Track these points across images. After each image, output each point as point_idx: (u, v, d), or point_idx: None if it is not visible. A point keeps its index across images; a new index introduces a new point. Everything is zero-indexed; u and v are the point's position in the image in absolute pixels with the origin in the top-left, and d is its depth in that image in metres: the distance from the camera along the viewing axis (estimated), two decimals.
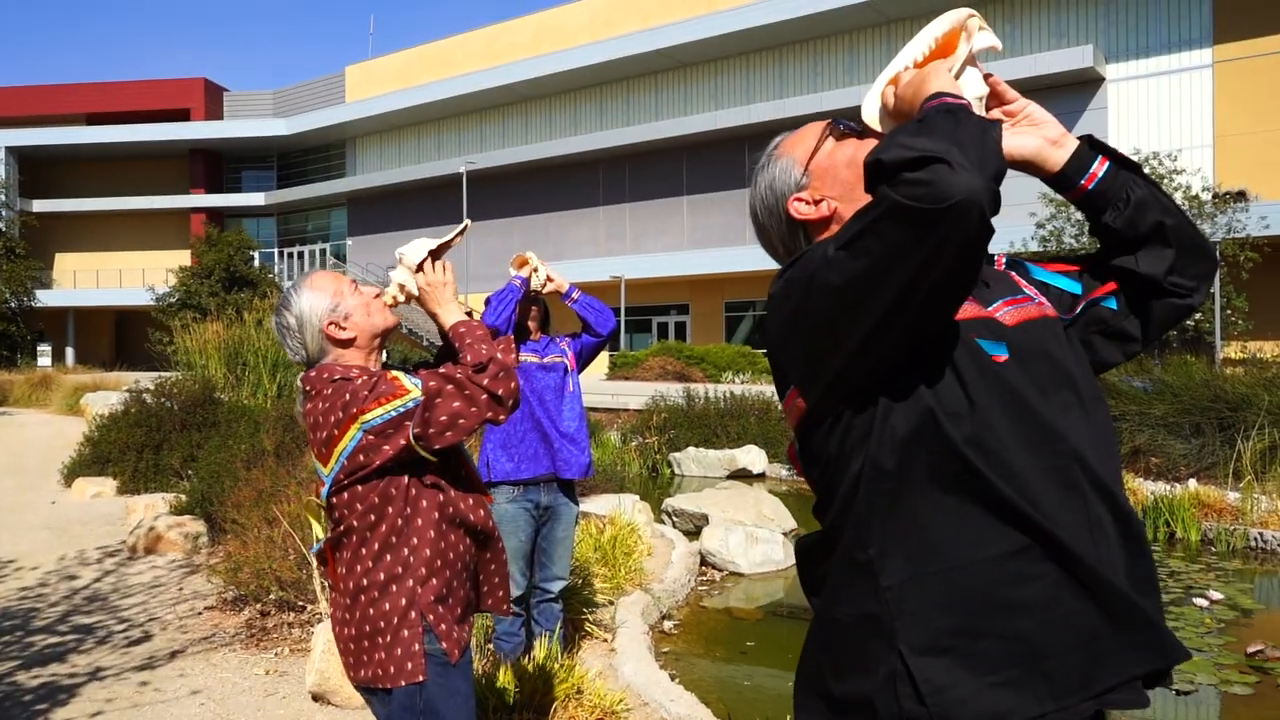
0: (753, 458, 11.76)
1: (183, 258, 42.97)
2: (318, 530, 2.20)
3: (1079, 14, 26.72)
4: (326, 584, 2.15)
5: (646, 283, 32.32)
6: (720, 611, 5.95)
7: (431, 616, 2.02)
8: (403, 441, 1.96)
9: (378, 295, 2.25)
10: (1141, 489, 8.81)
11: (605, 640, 4.76)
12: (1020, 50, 27.49)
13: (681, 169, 33.98)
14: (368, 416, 1.96)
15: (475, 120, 39.86)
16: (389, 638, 2.00)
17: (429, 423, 1.96)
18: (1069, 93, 26.31)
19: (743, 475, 11.52)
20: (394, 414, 1.96)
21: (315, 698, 4.08)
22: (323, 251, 44.01)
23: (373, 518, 2.02)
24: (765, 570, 6.76)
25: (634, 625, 4.92)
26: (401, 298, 2.26)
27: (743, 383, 23.47)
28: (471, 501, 2.16)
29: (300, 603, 5.24)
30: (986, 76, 1.35)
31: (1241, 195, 21.58)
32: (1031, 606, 1.15)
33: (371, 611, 2.02)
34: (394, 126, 42.01)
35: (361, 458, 1.97)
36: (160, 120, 45.27)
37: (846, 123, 1.43)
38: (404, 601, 2.01)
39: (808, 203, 1.39)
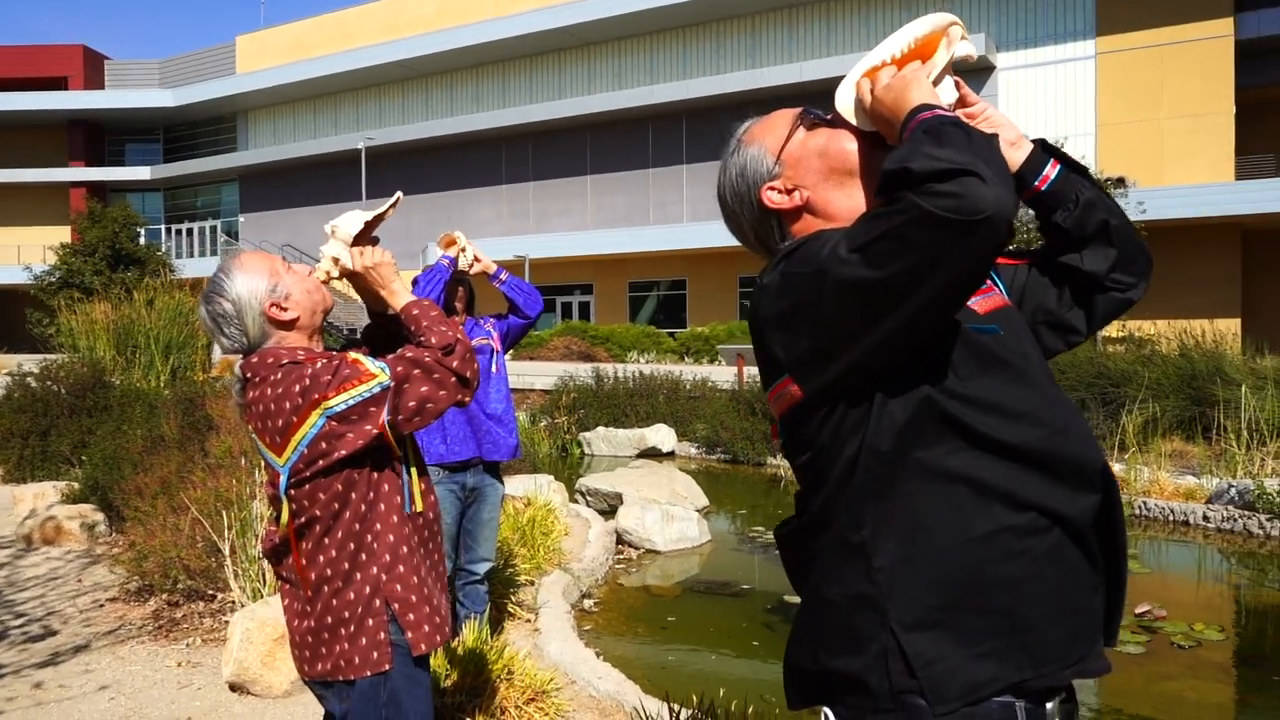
0: (662, 436, 11.87)
1: (62, 234, 40.85)
2: (266, 523, 2.14)
3: (972, 3, 27.51)
4: (286, 577, 2.08)
5: (551, 262, 32.14)
6: (638, 589, 6.01)
7: (397, 605, 1.99)
8: (370, 428, 1.91)
9: (310, 272, 2.18)
10: None
11: (529, 620, 4.77)
12: None
13: (585, 148, 33.84)
14: (331, 403, 1.89)
15: (374, 95, 38.92)
16: (353, 628, 1.96)
17: (399, 408, 1.92)
18: (962, 80, 27.04)
19: (653, 454, 11.62)
20: (358, 399, 1.90)
21: (233, 688, 3.99)
22: (213, 229, 42.43)
23: (336, 506, 1.96)
24: (681, 547, 6.85)
25: (556, 605, 4.94)
26: (335, 273, 2.19)
27: (647, 362, 23.63)
28: (424, 487, 2.14)
29: (210, 592, 5.10)
30: (957, 84, 1.40)
31: (1121, 181, 22.61)
32: (1014, 582, 1.21)
33: (335, 602, 1.97)
34: (288, 100, 40.71)
35: (324, 445, 1.91)
36: (35, 89, 42.87)
37: (817, 112, 1.46)
38: (368, 590, 1.97)
39: (780, 191, 1.42)
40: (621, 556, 6.66)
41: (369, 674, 1.97)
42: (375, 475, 2.01)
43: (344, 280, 2.24)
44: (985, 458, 1.22)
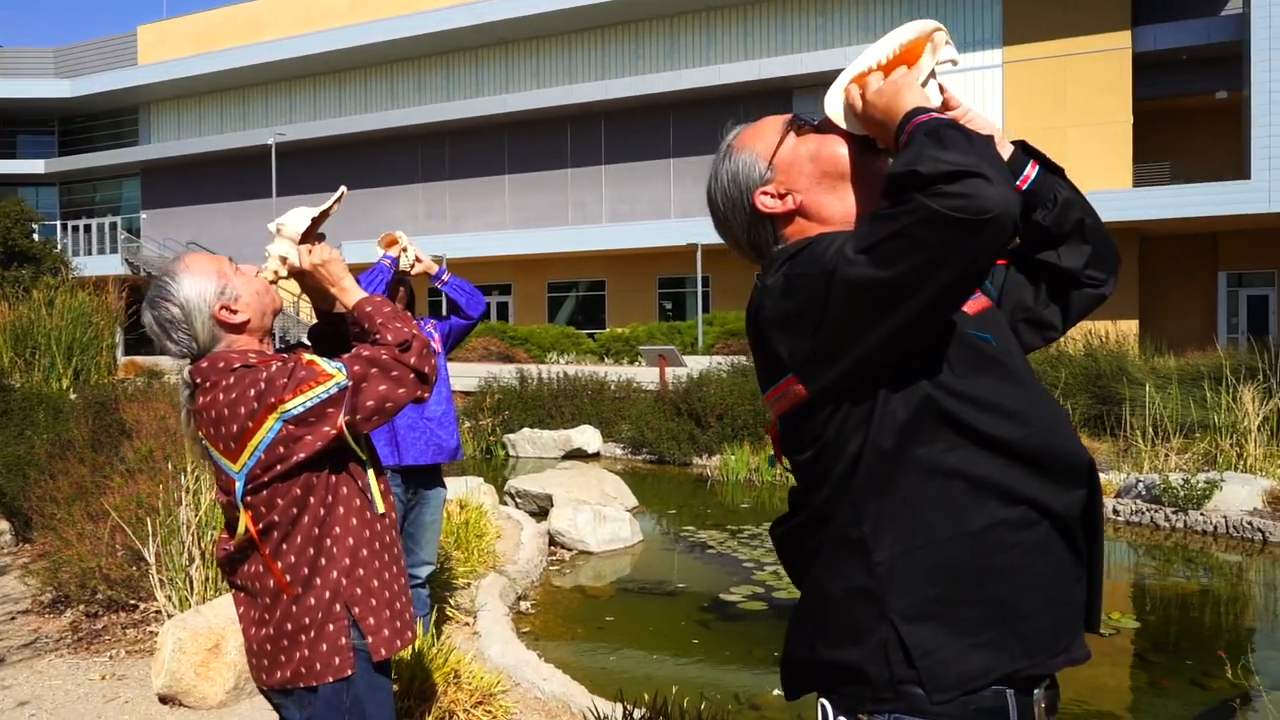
0: (587, 437, 11.86)
1: None
2: (219, 530, 2.08)
3: (884, 11, 28.16)
4: (241, 585, 2.02)
5: (468, 262, 31.82)
6: (573, 590, 6.00)
7: (357, 609, 1.95)
8: (329, 429, 1.87)
9: (257, 273, 2.13)
10: None
11: (468, 624, 4.73)
12: (831, 44, 28.71)
13: (503, 147, 33.60)
14: (287, 405, 1.85)
15: (285, 89, 37.99)
16: (313, 633, 1.92)
17: (357, 408, 1.88)
18: None
19: (578, 455, 11.61)
20: (315, 401, 1.86)
21: (164, 700, 3.86)
22: (113, 225, 40.83)
23: (294, 510, 1.91)
24: (614, 548, 6.86)
25: (494, 607, 4.91)
26: (284, 272, 2.13)
27: (567, 363, 23.57)
28: (384, 488, 2.11)
29: (132, 602, 4.92)
30: (941, 87, 1.43)
31: None
32: (1008, 573, 1.25)
33: (295, 609, 1.93)
34: (194, 93, 39.44)
35: (281, 450, 1.86)
36: None
37: (805, 118, 1.49)
38: (328, 595, 1.93)
39: (774, 196, 1.45)
40: (555, 558, 6.64)
41: (331, 680, 1.94)
42: (333, 478, 1.97)
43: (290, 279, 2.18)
44: (981, 454, 1.27)
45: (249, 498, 1.91)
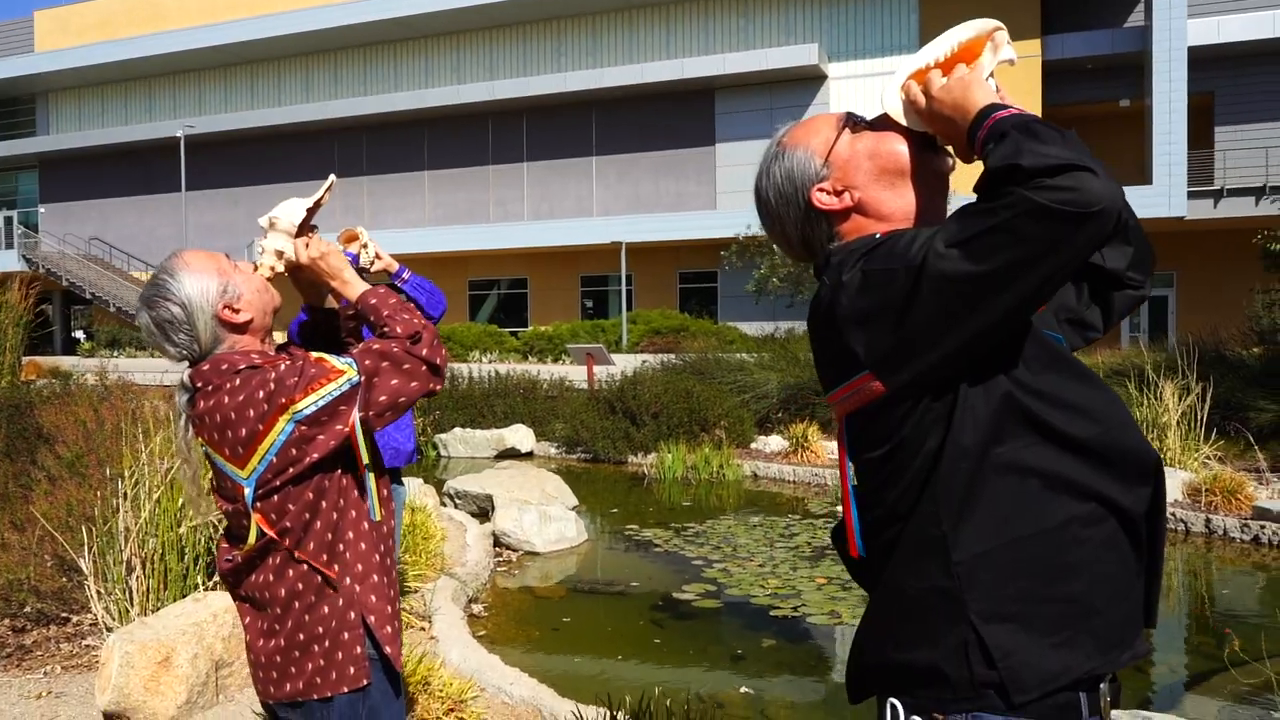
0: (521, 436, 11.75)
1: None
2: (219, 541, 1.97)
3: (805, 14, 28.57)
4: (248, 596, 1.93)
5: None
6: (523, 591, 5.93)
7: (373, 618, 1.88)
8: (341, 427, 1.79)
9: (254, 270, 2.04)
10: None
11: (423, 629, 4.62)
12: (752, 44, 29.01)
13: (423, 143, 33.13)
14: (299, 406, 1.76)
15: (193, 80, 36.81)
16: (328, 643, 1.84)
17: (370, 404, 1.81)
18: (796, 87, 28.10)
19: (512, 454, 11.49)
20: (327, 400, 1.78)
21: (110, 717, 3.67)
22: (8, 219, 39.00)
23: (307, 516, 1.83)
24: (560, 548, 6.80)
25: (449, 611, 4.81)
26: (280, 267, 2.05)
27: (490, 362, 23.34)
28: (385, 494, 2.04)
29: (64, 615, 4.69)
30: (998, 87, 1.43)
31: None
32: (1081, 569, 1.25)
33: (307, 618, 1.84)
34: (96, 82, 37.95)
35: (294, 451, 1.78)
36: None
37: (859, 115, 1.48)
38: (342, 603, 1.85)
39: (830, 193, 1.43)
40: (501, 559, 6.55)
41: (347, 690, 1.87)
42: (344, 481, 1.90)
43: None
44: (1055, 451, 1.27)
45: (259, 504, 1.83)
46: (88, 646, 4.44)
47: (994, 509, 1.26)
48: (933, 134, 1.41)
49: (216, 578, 4.53)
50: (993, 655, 1.23)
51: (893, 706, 1.33)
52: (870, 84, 27.56)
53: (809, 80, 28.04)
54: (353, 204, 34.09)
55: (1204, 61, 24.73)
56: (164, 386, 11.91)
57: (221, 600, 4.03)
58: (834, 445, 10.63)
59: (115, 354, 29.12)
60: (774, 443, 11.03)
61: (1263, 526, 6.75)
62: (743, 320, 27.47)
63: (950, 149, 1.42)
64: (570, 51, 31.57)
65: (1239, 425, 8.77)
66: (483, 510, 7.73)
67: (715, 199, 29.25)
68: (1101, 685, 1.29)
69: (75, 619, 4.70)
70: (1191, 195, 24.12)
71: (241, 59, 35.41)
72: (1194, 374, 8.22)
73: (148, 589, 4.42)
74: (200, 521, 1.96)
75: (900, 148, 1.42)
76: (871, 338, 1.27)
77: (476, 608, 5.41)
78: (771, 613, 5.25)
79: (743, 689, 4.20)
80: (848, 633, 5.00)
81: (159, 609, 4.30)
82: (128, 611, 4.37)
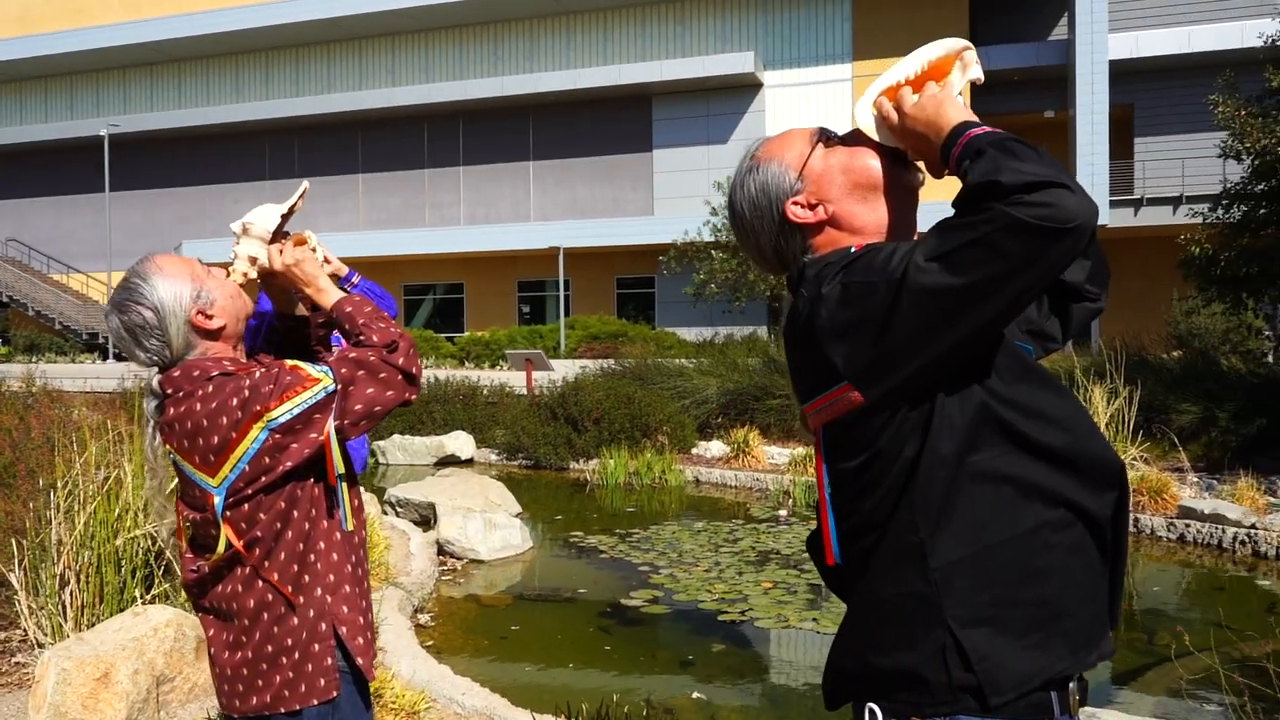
0: (461, 443, 11.65)
1: None
2: (184, 552, 1.92)
3: (741, 22, 28.84)
4: (213, 608, 1.89)
5: None
6: (469, 600, 5.87)
7: (344, 629, 1.85)
8: (316, 436, 1.76)
9: (227, 275, 2.01)
10: None
11: None
12: (689, 51, 29.19)
13: (356, 146, 32.69)
14: (274, 414, 1.74)
15: (117, 78, 35.81)
16: (297, 655, 1.81)
17: (345, 412, 1.79)
18: (733, 94, 28.36)
19: (451, 461, 11.39)
20: (302, 408, 1.75)
21: None
22: None
23: (278, 525, 1.80)
24: (505, 556, 6.76)
25: (395, 621, 4.75)
26: (253, 273, 2.02)
27: (427, 368, 23.09)
28: (357, 503, 2.01)
29: None
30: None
31: None
32: (1052, 573, 1.29)
33: (277, 630, 1.81)
34: (14, 78, 36.72)
35: (267, 460, 1.75)
36: None
37: (830, 130, 1.51)
38: (313, 614, 1.83)
39: (804, 206, 1.45)
40: (445, 568, 6.48)
41: (316, 703, 1.84)
42: (316, 490, 1.88)
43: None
44: (1027, 459, 1.31)
45: (229, 513, 1.79)
46: (19, 664, 4.29)
47: (970, 516, 1.29)
48: (904, 149, 1.44)
49: (155, 591, 4.42)
50: (970, 659, 1.27)
51: (871, 711, 1.35)
52: (805, 92, 27.95)
53: (745, 88, 28.31)
54: None
55: (1124, 75, 25.57)
56: (92, 393, 11.56)
57: (162, 614, 3.93)
58: (775, 450, 10.76)
59: (34, 359, 28.14)
60: (715, 448, 11.10)
61: (1188, 525, 6.99)
62: (681, 325, 27.60)
63: (921, 164, 1.46)
64: (507, 56, 31.44)
65: (1163, 426, 9.07)
66: (424, 519, 7.65)
67: (652, 205, 29.37)
68: (1071, 684, 1.33)
69: (4, 635, 4.53)
70: (1113, 204, 24.91)
71: (168, 57, 34.57)
72: (1121, 378, 8.49)
73: (82, 603, 4.29)
74: (164, 533, 1.91)
75: (873, 162, 1.45)
76: (851, 349, 1.29)
77: (423, 618, 5.35)
78: (719, 618, 5.29)
79: (694, 694, 4.22)
80: (796, 637, 5.05)
81: (94, 624, 4.18)
82: (61, 627, 4.23)
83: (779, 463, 10.34)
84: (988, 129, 1.29)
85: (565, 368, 15.15)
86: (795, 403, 1.68)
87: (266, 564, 1.83)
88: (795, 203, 1.46)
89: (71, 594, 4.27)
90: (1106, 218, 24.09)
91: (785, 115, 28.01)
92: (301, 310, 2.19)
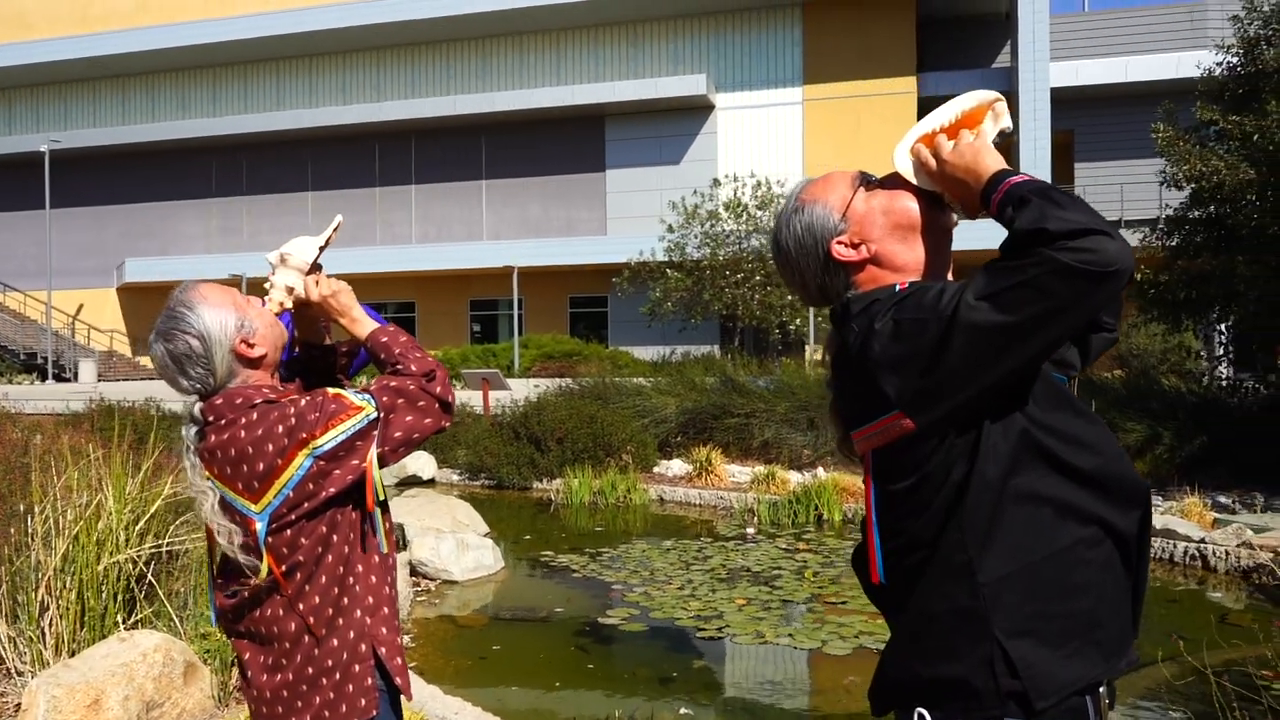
0: (422, 463, 11.61)
1: None
2: (215, 578, 1.96)
3: (694, 44, 29.20)
4: (251, 633, 1.92)
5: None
6: (445, 621, 5.89)
7: (384, 649, 1.91)
8: (359, 463, 1.82)
9: (264, 305, 2.06)
10: (789, 478, 9.93)
11: None
12: (642, 73, 29.46)
13: (306, 163, 32.40)
14: (319, 441, 1.79)
15: (57, 93, 35.12)
16: (338, 675, 1.86)
17: (385, 439, 1.85)
18: (685, 116, 28.67)
19: (413, 481, 11.34)
20: (345, 436, 1.82)
21: None
22: None
23: (319, 550, 1.85)
24: (477, 576, 6.78)
25: None
26: (289, 304, 2.08)
27: None
28: (388, 526, 2.07)
29: None
30: None
31: None
32: (1088, 587, 1.41)
33: (317, 652, 1.86)
34: None
35: (310, 486, 1.80)
36: None
37: (870, 175, 1.62)
38: (353, 635, 1.88)
39: (848, 245, 1.56)
40: (419, 589, 6.48)
41: None
42: (354, 515, 1.93)
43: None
44: (1063, 481, 1.42)
45: (270, 539, 1.84)
46: None
47: (1013, 535, 1.40)
48: (941, 193, 1.56)
49: (138, 615, 4.38)
50: (1016, 667, 1.37)
51: (920, 716, 1.45)
52: (756, 115, 28.34)
53: (697, 110, 28.64)
54: (231, 225, 33.07)
55: (1065, 102, 26.36)
56: (55, 414, 11.28)
57: (150, 639, 3.91)
58: (737, 469, 10.89)
59: None
60: (676, 466, 11.20)
61: None
62: (634, 344, 27.72)
63: (956, 206, 1.57)
64: (460, 74, 31.43)
65: None
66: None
67: (606, 224, 29.51)
68: (1100, 689, 1.44)
69: None
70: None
71: (112, 72, 33.98)
72: None
73: (61, 630, 4.24)
74: (232, 552, 1.94)
75: (912, 205, 1.56)
76: (903, 381, 1.40)
77: (403, 639, 5.35)
78: (698, 635, 5.37)
79: (681, 710, 4.30)
80: (774, 653, 5.15)
81: (75, 651, 4.13)
82: (41, 654, 4.18)
83: (741, 481, 10.47)
84: (1026, 176, 1.41)
85: (520, 387, 15.15)
86: (832, 429, 1.76)
87: (307, 588, 1.88)
88: (840, 242, 1.57)
89: (52, 621, 4.22)
90: None
91: (737, 137, 28.38)
92: (327, 339, 2.25)
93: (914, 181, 1.56)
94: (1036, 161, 24.81)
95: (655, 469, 11.24)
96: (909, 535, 1.47)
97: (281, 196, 32.62)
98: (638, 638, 5.42)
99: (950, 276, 1.59)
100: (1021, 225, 1.33)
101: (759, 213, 24.91)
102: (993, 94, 1.57)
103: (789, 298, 24.30)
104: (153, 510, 4.59)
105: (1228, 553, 6.72)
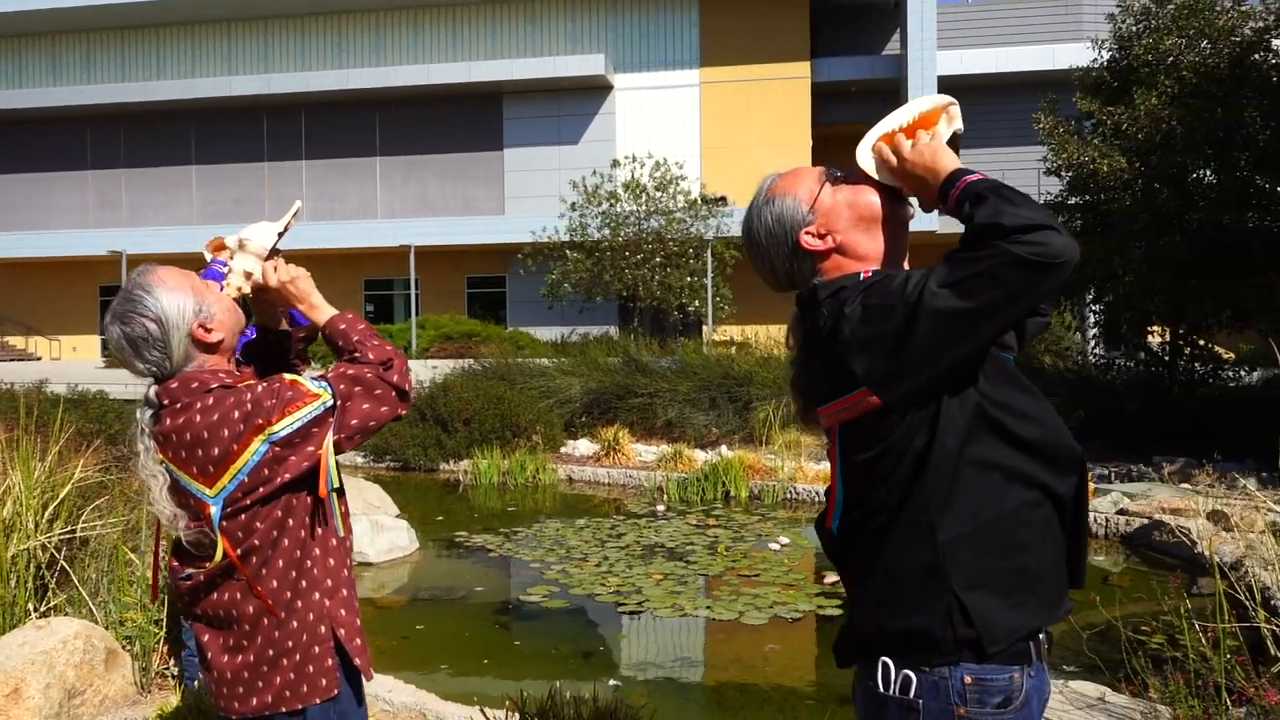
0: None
1: None
2: (169, 560, 1.97)
3: (592, 24, 29.11)
4: (208, 616, 1.93)
5: (149, 259, 29.09)
6: (364, 603, 5.78)
7: (342, 631, 1.94)
8: (314, 450, 1.84)
9: (222, 289, 2.06)
10: (696, 456, 10.14)
11: None
12: (540, 51, 29.25)
13: (189, 135, 31.16)
14: (274, 428, 1.81)
15: None
16: (298, 656, 1.89)
17: (341, 427, 1.87)
18: (583, 96, 28.60)
19: None
20: (301, 422, 1.83)
21: None
22: None
23: (275, 533, 1.87)
24: (393, 558, 6.76)
25: None
26: (247, 289, 2.09)
27: None
28: (344, 509, 2.10)
29: None
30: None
31: (723, 200, 25.22)
32: (1030, 545, 1.57)
33: (277, 634, 1.88)
34: None
35: (266, 472, 1.82)
36: None
37: (836, 170, 1.74)
38: (312, 617, 1.91)
39: (816, 236, 1.69)
40: None
41: (319, 701, 1.93)
42: (309, 499, 1.95)
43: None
44: (1011, 450, 1.58)
45: (224, 522, 1.86)
46: None
47: (968, 499, 1.56)
48: (900, 188, 1.69)
49: (53, 602, 4.27)
50: (971, 616, 1.53)
51: (884, 664, 1.60)
52: (654, 96, 28.47)
53: (596, 90, 28.61)
54: (109, 199, 31.58)
55: (950, 89, 27.23)
56: None
57: (69, 626, 3.82)
58: (644, 448, 11.06)
59: None
60: (583, 446, 11.31)
61: None
62: (534, 325, 27.63)
63: (914, 200, 1.71)
64: (352, 48, 30.63)
65: None
66: None
67: (504, 204, 29.27)
68: (1040, 636, 1.62)
69: None
70: (941, 212, 26.49)
71: None
72: None
73: None
74: (188, 537, 1.93)
75: (874, 199, 1.70)
76: (870, 360, 1.54)
77: None
78: (619, 609, 5.50)
79: (611, 682, 4.42)
80: (695, 624, 5.32)
81: (3, 636, 4.01)
82: None
83: (648, 460, 10.64)
84: (980, 175, 1.56)
85: (419, 368, 14.98)
86: (794, 403, 1.90)
87: (264, 571, 1.90)
88: (808, 233, 1.69)
89: None
90: (936, 224, 25.64)
91: (635, 118, 28.47)
92: (283, 325, 2.26)
93: (876, 177, 1.70)
94: None
95: (563, 449, 11.31)
96: (874, 501, 1.61)
97: (163, 170, 31.29)
98: (559, 614, 5.52)
99: (906, 265, 1.73)
100: (979, 220, 1.47)
101: (657, 194, 25.11)
102: (947, 98, 1.71)
103: (689, 279, 24.62)
104: (62, 495, 4.47)
105: (1108, 519, 7.20)
